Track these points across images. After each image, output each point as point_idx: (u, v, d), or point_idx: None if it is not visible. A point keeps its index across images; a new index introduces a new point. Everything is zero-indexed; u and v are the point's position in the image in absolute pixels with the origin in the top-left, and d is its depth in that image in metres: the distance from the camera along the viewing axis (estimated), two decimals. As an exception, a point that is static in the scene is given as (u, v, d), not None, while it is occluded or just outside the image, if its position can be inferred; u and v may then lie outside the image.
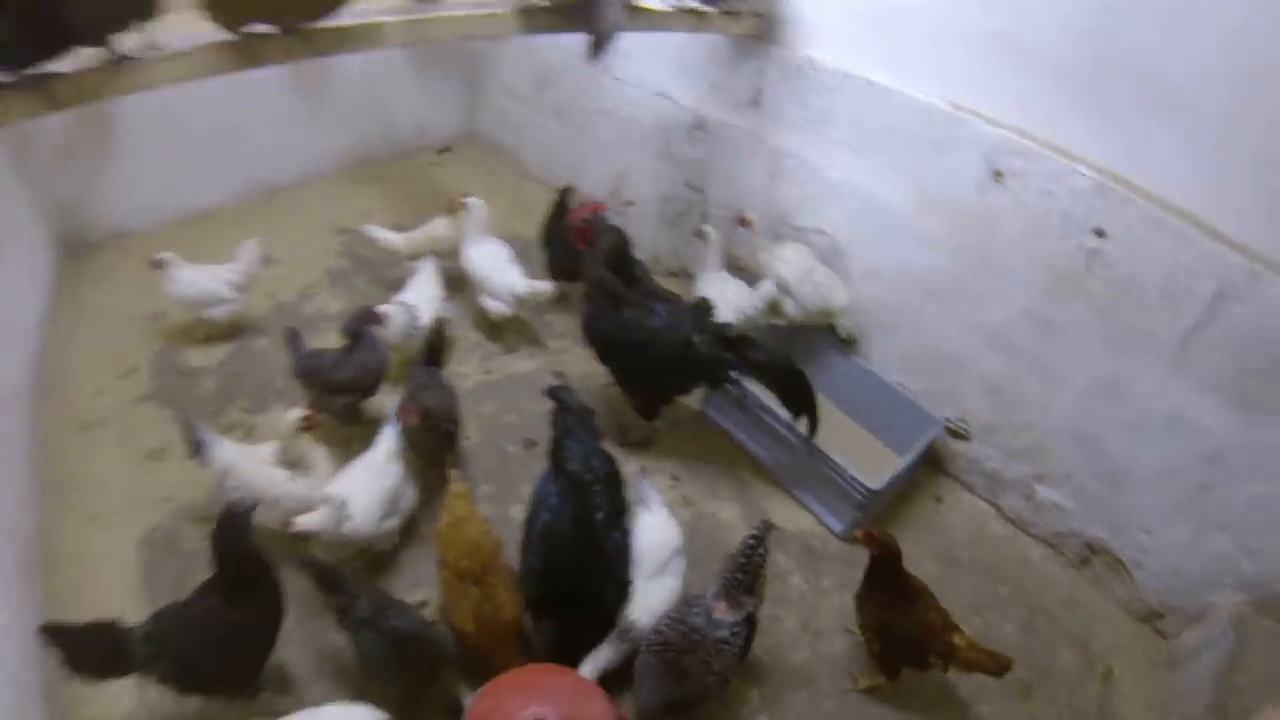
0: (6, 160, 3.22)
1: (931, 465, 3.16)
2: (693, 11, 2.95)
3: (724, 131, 3.49)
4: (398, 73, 4.42)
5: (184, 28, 2.05)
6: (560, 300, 3.53)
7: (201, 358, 3.27)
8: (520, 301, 3.28)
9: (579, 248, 2.94)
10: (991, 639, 2.54)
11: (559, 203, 3.49)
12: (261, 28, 2.05)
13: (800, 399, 2.70)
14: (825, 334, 3.25)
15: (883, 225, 3.03)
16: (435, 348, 2.88)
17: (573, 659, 2.10)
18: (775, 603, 2.60)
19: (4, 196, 3.19)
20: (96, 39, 1.89)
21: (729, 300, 3.12)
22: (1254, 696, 2.17)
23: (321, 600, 2.13)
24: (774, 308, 3.20)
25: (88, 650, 1.86)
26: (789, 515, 2.89)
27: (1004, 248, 2.70)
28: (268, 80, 3.35)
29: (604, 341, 2.83)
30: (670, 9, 2.95)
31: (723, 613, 2.05)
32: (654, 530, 2.29)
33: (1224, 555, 2.48)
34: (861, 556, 2.40)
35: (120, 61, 1.94)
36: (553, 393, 2.41)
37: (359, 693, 2.08)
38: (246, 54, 2.08)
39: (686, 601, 2.16)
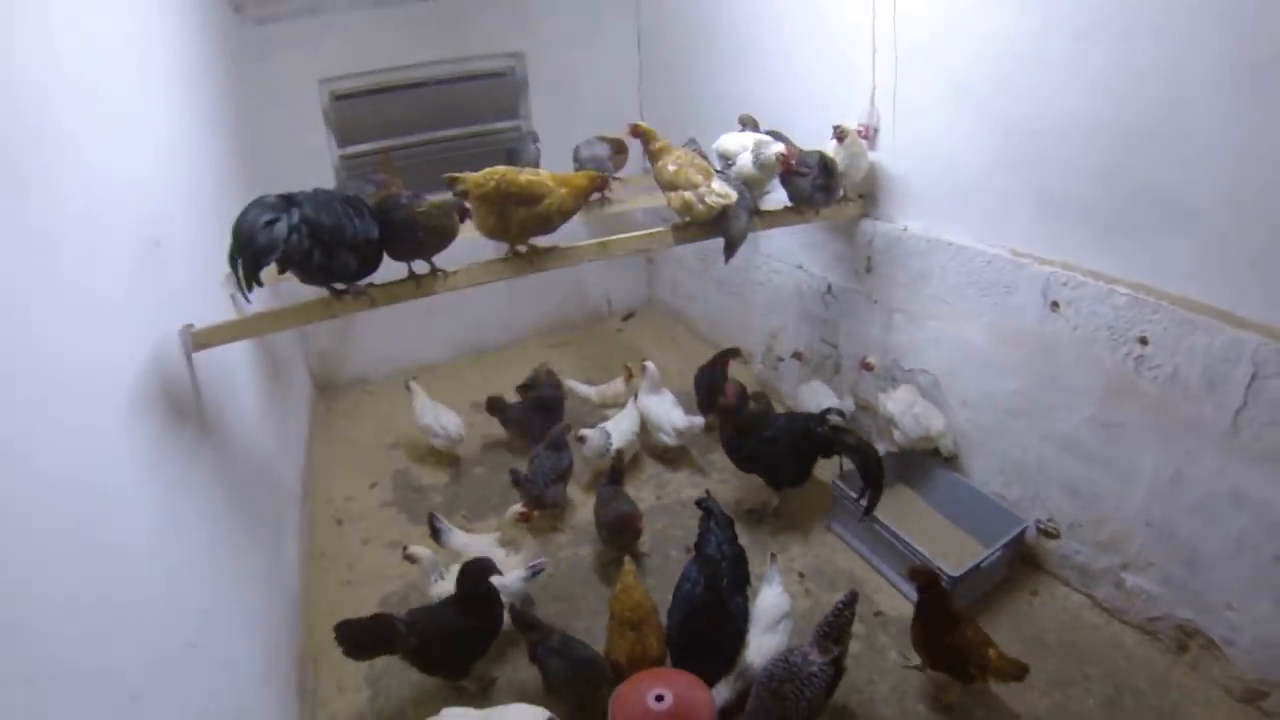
0: None
1: (1029, 563, 3.62)
2: (800, 209, 3.96)
3: (846, 294, 4.38)
4: None
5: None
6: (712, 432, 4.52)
7: (430, 478, 4.44)
8: (679, 433, 4.36)
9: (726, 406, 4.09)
10: (1071, 712, 2.95)
11: (712, 360, 4.72)
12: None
13: (873, 476, 3.54)
14: (931, 455, 3.93)
15: (969, 360, 3.71)
16: (617, 469, 3.93)
17: None
18: (871, 670, 3.16)
19: (288, 350, 4.61)
20: (406, 260, 2.99)
21: (820, 402, 4.40)
22: None
23: (520, 638, 3.18)
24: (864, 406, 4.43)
25: (366, 635, 2.96)
26: (893, 604, 3.48)
27: (1065, 365, 3.27)
28: None
29: (740, 449, 3.93)
30: (784, 208, 3.96)
31: (815, 656, 2.74)
32: (770, 598, 3.11)
33: None
34: None
35: (419, 277, 3.03)
36: (699, 502, 3.36)
37: (536, 703, 2.83)
38: (493, 270, 3.27)
39: (790, 649, 2.86)
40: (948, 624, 2.98)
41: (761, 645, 3.04)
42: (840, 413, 4.11)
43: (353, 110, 5.28)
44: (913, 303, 4.06)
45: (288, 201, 2.55)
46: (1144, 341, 3.05)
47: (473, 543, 3.58)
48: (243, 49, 4.63)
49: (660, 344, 5.80)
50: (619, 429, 4.39)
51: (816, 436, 3.89)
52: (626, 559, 3.28)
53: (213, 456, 2.71)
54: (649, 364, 4.66)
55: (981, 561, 3.34)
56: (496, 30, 5.36)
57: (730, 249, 3.62)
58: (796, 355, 4.78)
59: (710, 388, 4.66)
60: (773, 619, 3.12)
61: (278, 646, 3.00)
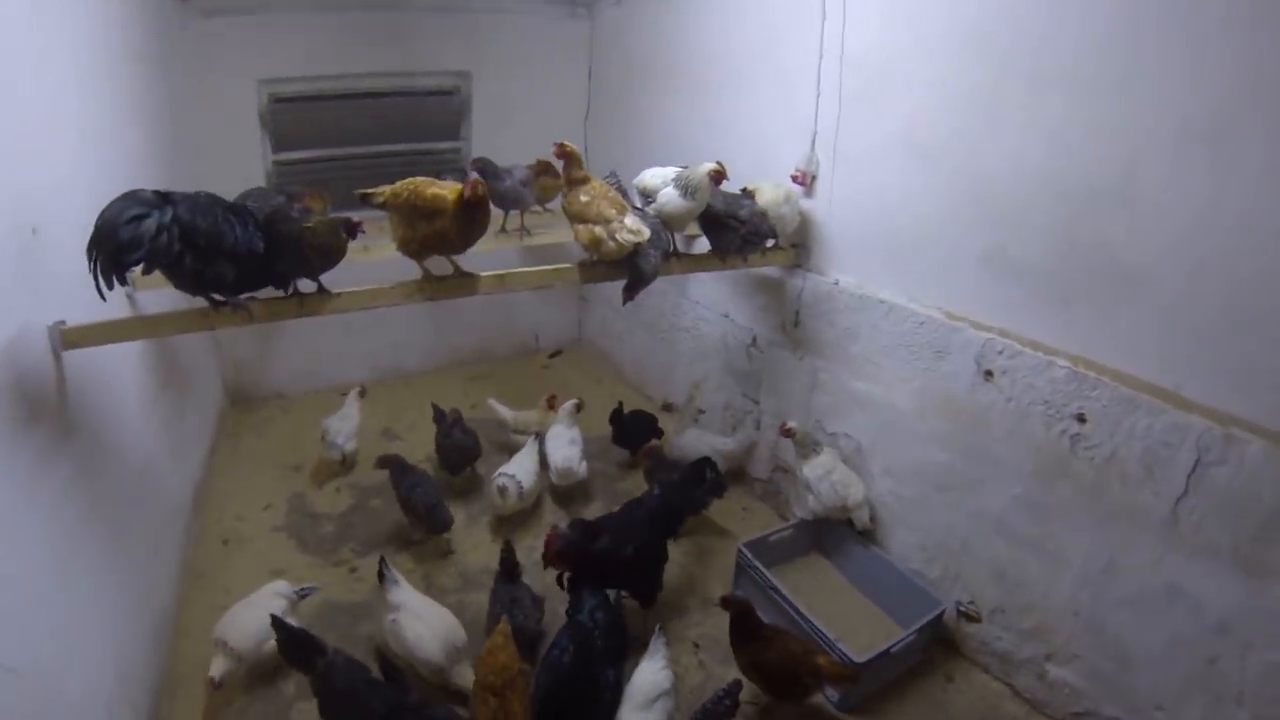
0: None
1: (947, 646, 3.16)
2: (724, 256, 3.47)
3: (772, 348, 3.93)
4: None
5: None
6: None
7: (328, 505, 3.96)
8: (558, 473, 3.93)
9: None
10: None
11: (615, 410, 4.38)
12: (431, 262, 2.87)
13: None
14: (846, 526, 3.47)
15: (895, 427, 3.28)
16: (509, 562, 3.19)
17: None
18: None
19: (199, 356, 4.23)
20: (288, 280, 2.68)
21: (698, 446, 4.05)
22: None
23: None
24: (733, 458, 4.09)
25: (291, 642, 2.59)
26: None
27: (996, 439, 2.87)
28: None
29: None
30: (708, 253, 3.51)
31: None
32: (649, 673, 2.70)
33: None
34: None
35: (304, 295, 2.70)
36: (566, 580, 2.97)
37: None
38: (382, 295, 2.86)
39: None
40: (766, 641, 2.76)
41: None
42: (713, 467, 3.70)
43: (291, 115, 4.75)
44: (840, 362, 3.61)
45: (163, 199, 2.27)
46: (1081, 419, 2.66)
47: (411, 600, 3.03)
48: (183, 40, 4.20)
49: (585, 384, 5.32)
50: (523, 469, 3.88)
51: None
52: (504, 620, 2.74)
53: (71, 463, 2.37)
54: (572, 401, 4.25)
55: (891, 647, 2.88)
56: (445, 47, 4.91)
57: (631, 289, 3.16)
58: (666, 407, 4.49)
59: (623, 424, 4.38)
60: (647, 696, 2.67)
61: (131, 673, 2.62)
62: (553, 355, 5.64)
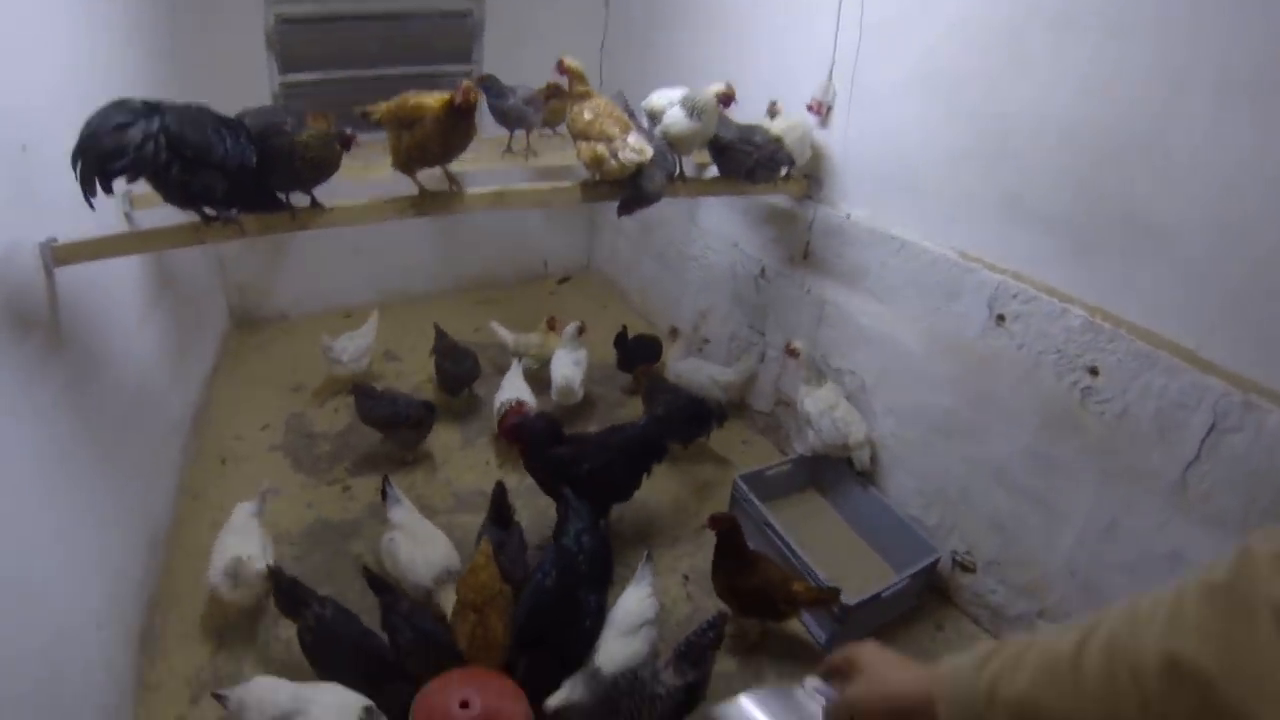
0: (207, 247, 4.01)
1: (939, 595, 3.03)
2: (732, 180, 3.26)
3: (781, 280, 3.71)
4: (523, 213, 5.01)
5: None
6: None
7: (325, 424, 3.86)
8: (557, 390, 3.81)
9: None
10: None
11: (619, 334, 4.22)
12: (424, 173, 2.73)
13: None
14: (846, 465, 3.30)
15: (901, 367, 3.09)
16: (501, 503, 2.98)
17: (543, 691, 2.27)
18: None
19: (203, 276, 4.15)
20: (285, 191, 2.60)
21: (696, 376, 3.88)
22: None
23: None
24: (731, 388, 3.87)
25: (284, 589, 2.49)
26: (784, 624, 2.87)
27: (1004, 387, 2.68)
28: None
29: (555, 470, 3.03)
30: (714, 178, 3.32)
31: (667, 676, 2.25)
32: (633, 601, 2.54)
33: None
34: None
35: (296, 209, 2.62)
36: (562, 490, 2.85)
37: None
38: (374, 211, 2.77)
39: (644, 662, 2.34)
40: (747, 566, 2.68)
41: (614, 650, 2.43)
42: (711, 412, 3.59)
43: (299, 36, 4.43)
44: (848, 297, 3.39)
45: (151, 108, 2.17)
46: (1094, 372, 2.45)
47: (410, 521, 2.94)
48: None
49: (592, 311, 5.08)
50: (522, 390, 3.77)
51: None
52: (485, 542, 2.65)
53: (63, 375, 2.32)
54: (574, 324, 4.06)
55: (883, 592, 2.73)
56: (458, -32, 4.49)
57: (628, 206, 2.97)
58: (673, 333, 4.25)
59: (627, 349, 4.22)
60: (632, 623, 2.50)
61: (123, 589, 2.58)
62: (561, 281, 5.41)
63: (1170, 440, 2.26)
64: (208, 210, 2.45)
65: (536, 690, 2.30)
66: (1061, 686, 0.85)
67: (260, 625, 2.75)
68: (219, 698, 2.19)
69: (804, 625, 2.88)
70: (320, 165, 2.56)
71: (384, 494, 2.98)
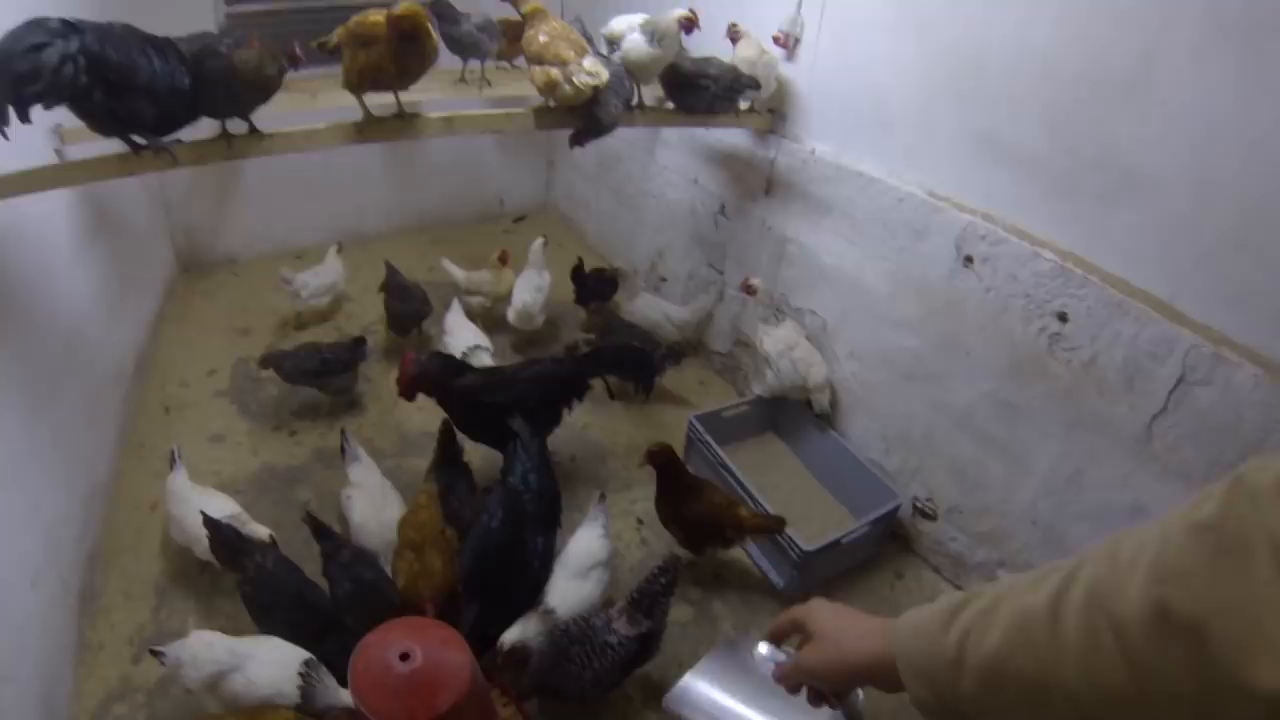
0: (151, 190, 3.94)
1: (900, 543, 2.96)
2: (692, 111, 3.04)
3: (741, 217, 3.53)
4: (487, 146, 4.76)
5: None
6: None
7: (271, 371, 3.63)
8: (515, 313, 3.69)
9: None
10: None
11: (576, 267, 4.00)
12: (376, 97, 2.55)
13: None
14: (805, 408, 3.18)
15: (864, 308, 2.96)
16: (447, 446, 2.85)
17: (489, 637, 2.18)
18: (699, 642, 2.49)
19: (145, 220, 3.90)
20: (222, 117, 2.41)
21: (649, 313, 3.69)
22: None
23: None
24: (686, 327, 3.70)
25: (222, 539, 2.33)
26: (740, 570, 2.80)
27: (970, 330, 2.57)
28: (361, 149, 3.80)
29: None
30: (674, 109, 3.07)
31: (620, 625, 2.14)
32: (585, 541, 2.46)
33: None
34: None
35: (233, 137, 2.43)
36: (509, 421, 2.66)
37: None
38: (316, 137, 2.54)
39: (598, 609, 2.27)
40: (690, 493, 2.62)
41: (565, 591, 2.35)
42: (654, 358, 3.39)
43: None
44: (810, 234, 3.22)
45: (70, 27, 1.96)
46: (1063, 318, 2.34)
47: (368, 480, 2.78)
48: None
49: (550, 254, 4.67)
50: (476, 334, 3.59)
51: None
52: (429, 481, 2.62)
53: None
54: (539, 239, 3.90)
55: (842, 538, 2.63)
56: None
57: (580, 137, 2.77)
58: (662, 279, 4.07)
59: (584, 282, 4.01)
60: (582, 565, 2.43)
61: (60, 545, 2.43)
62: (517, 220, 5.15)
63: (1138, 391, 2.17)
64: (137, 139, 2.25)
65: (485, 639, 2.20)
66: (1037, 644, 0.76)
67: (206, 577, 2.63)
68: (156, 654, 2.07)
69: (761, 571, 2.81)
70: (256, 84, 2.31)
71: (342, 450, 2.84)
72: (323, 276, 3.90)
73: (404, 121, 2.62)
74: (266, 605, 2.27)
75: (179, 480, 2.67)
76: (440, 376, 2.79)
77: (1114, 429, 2.25)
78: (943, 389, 2.75)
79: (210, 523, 2.37)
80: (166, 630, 2.46)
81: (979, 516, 2.70)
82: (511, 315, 3.71)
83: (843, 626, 1.03)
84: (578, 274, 4.00)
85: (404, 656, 1.74)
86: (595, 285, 4.00)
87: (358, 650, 1.81)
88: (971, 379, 2.64)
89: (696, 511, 2.58)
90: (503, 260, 3.89)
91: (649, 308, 3.75)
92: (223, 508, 2.54)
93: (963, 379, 2.67)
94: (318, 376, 3.34)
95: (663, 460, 2.60)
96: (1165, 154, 2.02)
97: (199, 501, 2.52)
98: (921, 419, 2.85)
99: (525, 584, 2.39)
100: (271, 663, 2.03)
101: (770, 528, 2.58)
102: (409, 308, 3.75)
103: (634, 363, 3.26)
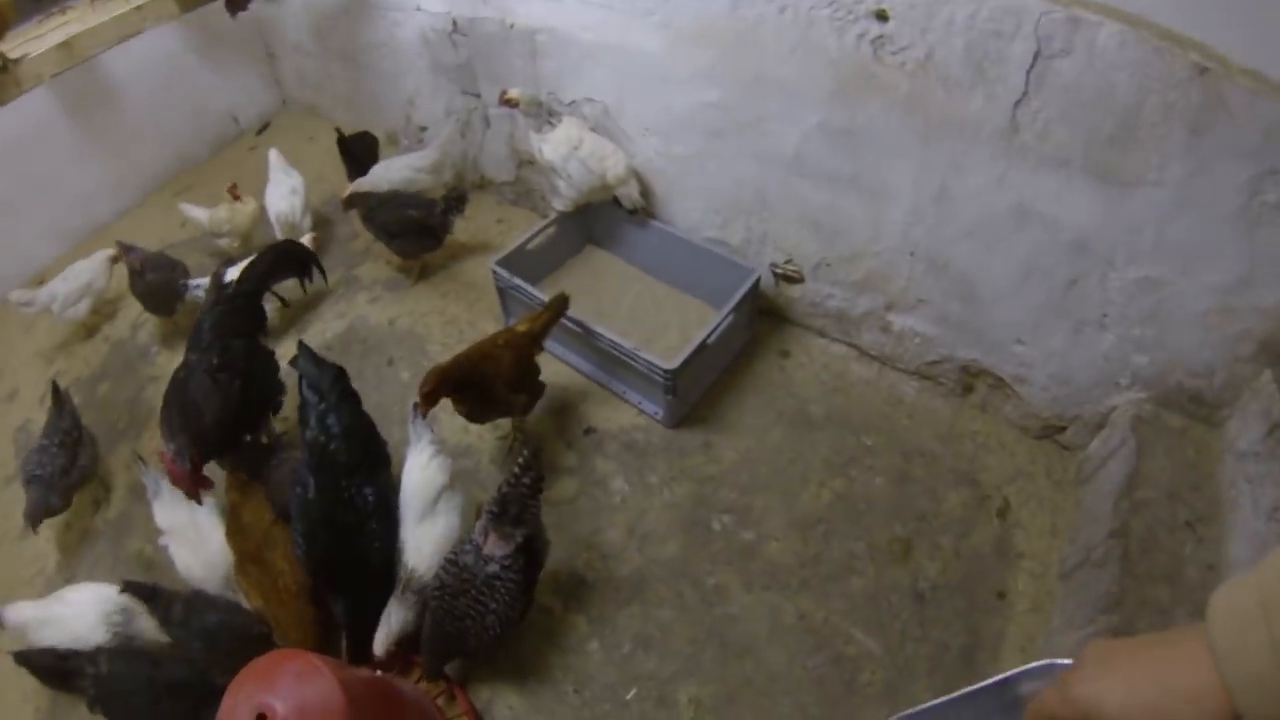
0: None
1: (774, 317, 2.57)
2: None
3: (476, 28, 2.74)
4: (191, 68, 3.64)
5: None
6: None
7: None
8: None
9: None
10: (857, 497, 2.05)
11: (339, 138, 3.14)
12: None
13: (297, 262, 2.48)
14: (617, 208, 2.62)
15: (644, 74, 2.36)
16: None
17: (371, 630, 1.80)
18: (596, 513, 2.11)
19: None
20: None
21: (392, 175, 2.81)
22: (1160, 510, 1.66)
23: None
24: (439, 169, 2.86)
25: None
26: (606, 415, 2.35)
27: (776, 61, 2.04)
28: (51, 130, 3.11)
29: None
30: None
31: (492, 546, 1.69)
32: (417, 471, 1.94)
33: (1112, 353, 1.91)
34: (688, 440, 2.26)
35: None
36: (293, 362, 2.05)
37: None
38: None
39: (459, 546, 1.78)
40: (469, 387, 1.98)
41: (419, 540, 1.88)
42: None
43: None
44: (557, 16, 2.49)
45: None
46: (882, 16, 1.84)
47: (175, 520, 2.06)
48: None
49: (300, 146, 3.80)
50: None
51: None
52: (228, 474, 2.07)
53: None
54: (273, 150, 3.15)
55: (707, 337, 2.18)
56: None
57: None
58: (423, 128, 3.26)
59: (351, 148, 3.14)
60: (425, 501, 1.91)
61: None
62: (260, 131, 4.01)
63: (991, 78, 1.76)
64: None
65: (367, 625, 1.81)
66: None
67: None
68: None
69: (633, 405, 2.36)
70: None
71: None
72: (73, 279, 2.89)
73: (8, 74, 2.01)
74: (122, 712, 1.79)
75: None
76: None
77: (973, 128, 1.84)
78: (763, 136, 2.23)
79: (22, 659, 1.86)
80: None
81: (849, 264, 2.30)
82: (277, 232, 3.02)
83: (1154, 700, 0.62)
84: (342, 143, 3.17)
85: (261, 718, 1.32)
86: (362, 148, 3.17)
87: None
88: (793, 116, 2.13)
89: (477, 389, 2.00)
90: (234, 194, 2.95)
91: (390, 170, 2.91)
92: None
93: (783, 119, 2.16)
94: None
95: (437, 390, 1.92)
96: None
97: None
98: (750, 178, 2.35)
99: (374, 548, 1.86)
100: (85, 603, 1.84)
101: (556, 315, 2.16)
102: (160, 282, 2.79)
103: (287, 260, 2.53)
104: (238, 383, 2.06)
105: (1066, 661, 0.73)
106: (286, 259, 2.52)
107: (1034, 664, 0.79)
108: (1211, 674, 0.59)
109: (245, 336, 2.21)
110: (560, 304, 2.18)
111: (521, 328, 2.13)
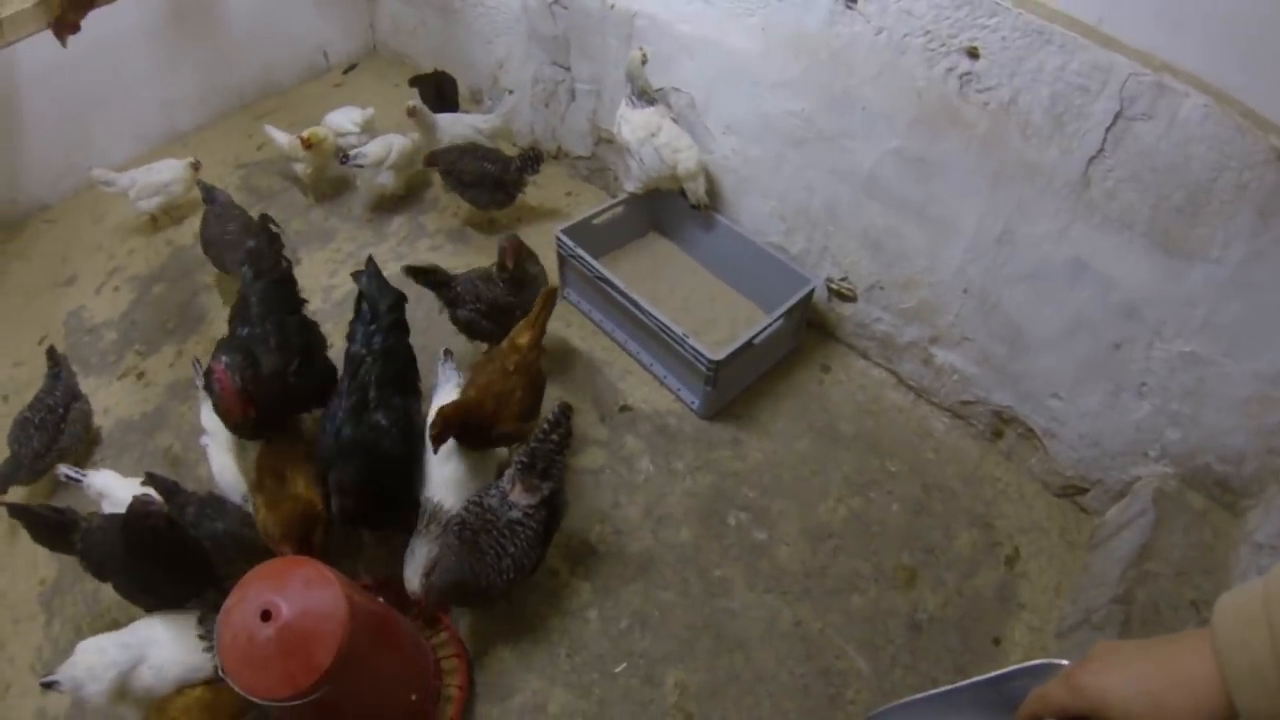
0: None
1: (820, 331, 2.59)
2: None
3: (577, 2, 2.78)
4: (288, 1, 3.77)
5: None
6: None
7: (104, 312, 2.88)
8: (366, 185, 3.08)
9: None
10: (871, 519, 2.09)
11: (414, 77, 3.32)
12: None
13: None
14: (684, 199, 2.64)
15: (735, 74, 2.39)
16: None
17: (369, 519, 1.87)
18: (618, 488, 2.17)
19: None
20: None
21: (456, 130, 2.93)
22: (1167, 584, 1.68)
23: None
24: (497, 135, 3.02)
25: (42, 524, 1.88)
26: (644, 395, 2.41)
27: (863, 81, 2.06)
28: (151, 34, 3.23)
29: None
30: None
31: (517, 495, 1.79)
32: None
33: (1145, 423, 1.91)
34: (718, 433, 2.31)
35: None
36: (355, 276, 2.08)
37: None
38: None
39: (487, 488, 1.85)
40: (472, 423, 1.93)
41: (443, 476, 1.93)
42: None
43: None
44: (658, 4, 2.53)
45: None
46: (973, 54, 1.85)
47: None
48: None
49: (386, 92, 3.89)
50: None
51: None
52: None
53: None
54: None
55: (755, 336, 2.22)
56: None
57: None
58: (509, 91, 3.24)
59: (431, 88, 3.27)
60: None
61: None
62: (347, 70, 4.11)
63: (1069, 132, 1.77)
64: None
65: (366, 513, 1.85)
66: None
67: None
68: (50, 685, 1.66)
69: (673, 393, 2.42)
70: None
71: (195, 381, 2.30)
72: (155, 173, 3.03)
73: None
74: (106, 561, 1.81)
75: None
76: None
77: (1045, 177, 1.85)
78: (841, 152, 2.26)
79: (18, 511, 1.85)
80: (64, 645, 1.97)
81: (903, 291, 2.33)
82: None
83: (1157, 691, 0.67)
84: (420, 80, 3.28)
85: (266, 615, 1.38)
86: (446, 87, 3.28)
87: (221, 618, 1.45)
88: (872, 137, 2.16)
89: (484, 419, 1.94)
90: (305, 144, 3.05)
91: (455, 125, 3.03)
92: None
93: (862, 138, 2.18)
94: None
95: (443, 435, 1.88)
96: None
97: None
98: (821, 190, 2.38)
99: (395, 470, 1.90)
100: (169, 640, 1.73)
101: (546, 307, 2.07)
102: (223, 236, 2.77)
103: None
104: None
105: (1063, 662, 0.77)
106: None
107: (1031, 663, 0.83)
108: (1211, 667, 0.64)
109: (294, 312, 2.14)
110: (551, 297, 2.11)
111: (522, 339, 2.05)
